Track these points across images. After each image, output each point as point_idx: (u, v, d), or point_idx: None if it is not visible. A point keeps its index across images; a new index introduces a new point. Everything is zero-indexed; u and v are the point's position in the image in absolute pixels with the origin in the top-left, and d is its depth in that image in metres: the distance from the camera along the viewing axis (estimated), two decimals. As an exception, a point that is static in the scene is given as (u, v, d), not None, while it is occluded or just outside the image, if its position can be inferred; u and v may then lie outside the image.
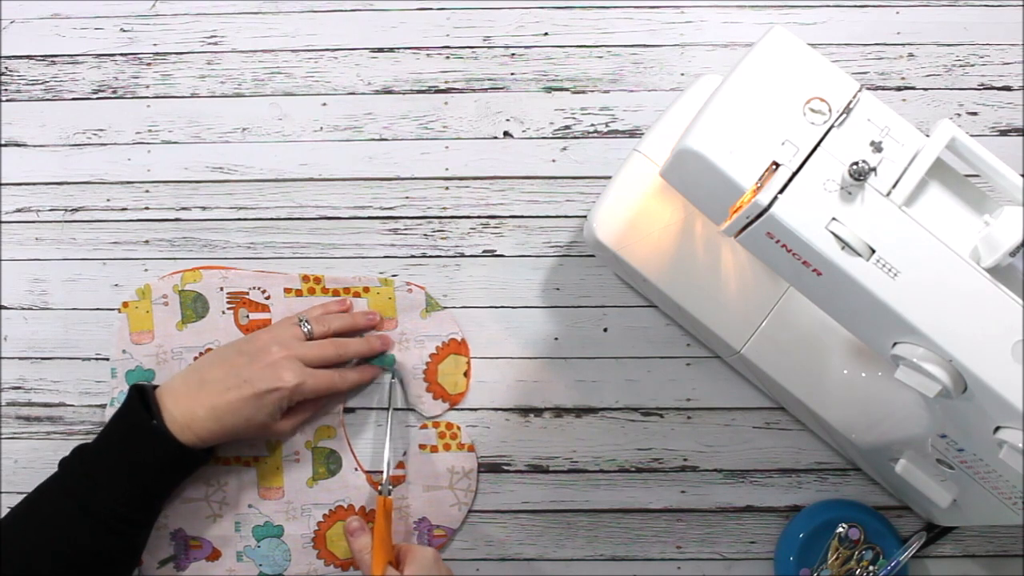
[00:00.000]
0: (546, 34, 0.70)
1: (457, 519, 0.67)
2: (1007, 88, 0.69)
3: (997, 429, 0.46)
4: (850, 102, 0.45)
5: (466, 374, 0.67)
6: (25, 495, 0.58)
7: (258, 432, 0.61)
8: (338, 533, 0.66)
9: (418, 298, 0.68)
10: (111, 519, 0.57)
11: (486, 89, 0.70)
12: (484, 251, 0.69)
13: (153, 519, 0.62)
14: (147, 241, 0.69)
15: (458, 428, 0.67)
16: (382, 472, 0.66)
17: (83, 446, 0.59)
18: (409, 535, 0.66)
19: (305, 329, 0.63)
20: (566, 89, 0.69)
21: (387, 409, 0.67)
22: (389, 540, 0.62)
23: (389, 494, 0.64)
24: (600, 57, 0.70)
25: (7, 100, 0.70)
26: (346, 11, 0.71)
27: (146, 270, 0.69)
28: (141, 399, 0.59)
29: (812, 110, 0.45)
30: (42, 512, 0.57)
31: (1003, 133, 0.69)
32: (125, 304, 0.68)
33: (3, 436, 0.68)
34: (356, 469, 0.67)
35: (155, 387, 0.61)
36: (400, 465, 0.67)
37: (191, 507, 0.66)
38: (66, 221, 0.69)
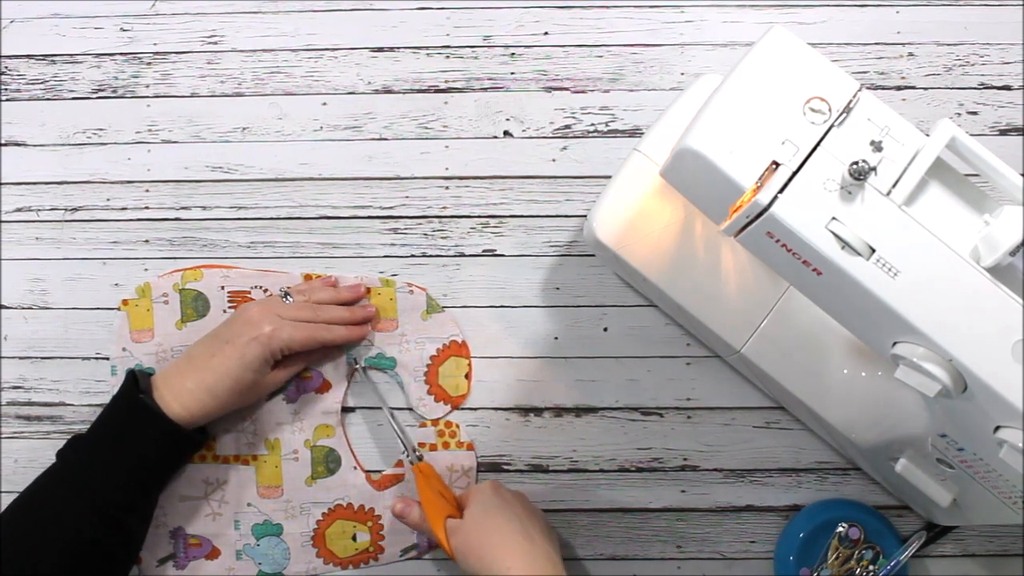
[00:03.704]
0: (546, 34, 0.70)
1: (457, 519, 0.67)
2: (1007, 88, 0.69)
3: (997, 429, 0.46)
4: (850, 102, 0.45)
5: (467, 376, 0.67)
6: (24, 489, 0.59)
7: (250, 393, 0.62)
8: (337, 532, 0.66)
9: (419, 299, 0.68)
10: (108, 506, 0.57)
11: (486, 89, 0.70)
12: (484, 251, 0.69)
13: (150, 508, 0.62)
14: (147, 241, 0.69)
15: (457, 427, 0.67)
16: (382, 470, 0.67)
17: (78, 435, 0.60)
18: (410, 533, 0.66)
19: (287, 301, 0.64)
20: (566, 89, 0.69)
21: (379, 404, 0.67)
22: (439, 499, 0.61)
23: (420, 459, 0.65)
24: (600, 57, 0.70)
25: (7, 100, 0.70)
26: (346, 11, 0.71)
27: (146, 270, 0.69)
28: (135, 382, 0.60)
29: (812, 110, 0.45)
30: (40, 503, 0.58)
31: (1003, 133, 0.69)
32: (125, 302, 0.68)
33: (3, 436, 0.68)
34: (355, 468, 0.67)
35: (151, 374, 0.62)
36: (399, 464, 0.67)
37: (190, 505, 0.66)
38: (66, 221, 0.69)
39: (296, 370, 0.65)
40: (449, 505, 0.61)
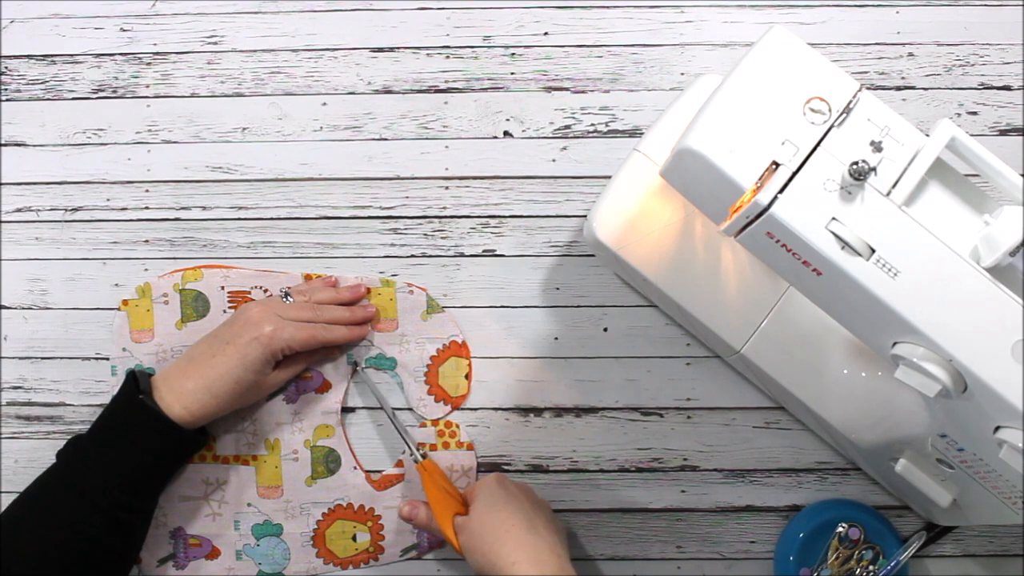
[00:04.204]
0: (546, 34, 0.70)
1: (457, 519, 0.67)
2: (1007, 88, 0.69)
3: (997, 429, 0.46)
4: (850, 102, 0.45)
5: (467, 376, 0.67)
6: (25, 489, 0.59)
7: (250, 393, 0.62)
8: (337, 532, 0.66)
9: (419, 299, 0.68)
10: (108, 506, 0.57)
11: (486, 89, 0.70)
12: (484, 251, 0.69)
13: (150, 508, 0.62)
14: (147, 241, 0.69)
15: (457, 427, 0.67)
16: (382, 470, 0.67)
17: (78, 435, 0.60)
18: (410, 533, 0.66)
19: (287, 301, 0.64)
20: (566, 89, 0.69)
21: (380, 404, 0.67)
22: (446, 497, 0.62)
23: (424, 458, 0.65)
24: (600, 57, 0.70)
25: (7, 100, 0.70)
26: (346, 11, 0.71)
27: (146, 270, 0.69)
28: (135, 383, 0.60)
29: (812, 110, 0.45)
30: (40, 503, 0.58)
31: (1003, 133, 0.69)
32: (125, 302, 0.68)
33: (3, 436, 0.68)
34: (355, 468, 0.67)
35: (151, 374, 0.62)
36: (399, 463, 0.67)
37: (190, 505, 0.66)
38: (66, 221, 0.69)
39: (296, 371, 0.65)
40: (455, 502, 0.62)
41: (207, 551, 0.66)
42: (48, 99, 0.70)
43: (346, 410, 0.68)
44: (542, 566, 0.54)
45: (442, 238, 0.69)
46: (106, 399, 0.68)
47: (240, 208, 0.69)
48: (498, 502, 0.59)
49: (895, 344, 0.46)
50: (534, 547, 0.55)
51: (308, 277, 0.68)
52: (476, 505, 0.59)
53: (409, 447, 0.65)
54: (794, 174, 0.44)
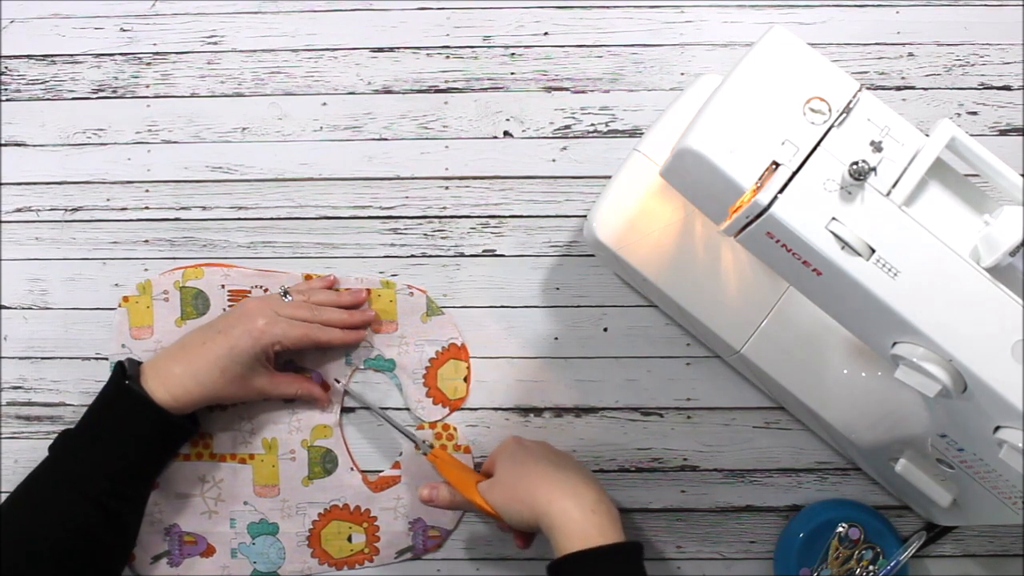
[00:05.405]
0: (546, 34, 0.70)
1: (452, 520, 0.67)
2: (1007, 88, 0.69)
3: (997, 429, 0.46)
4: (850, 102, 0.45)
5: (466, 379, 0.67)
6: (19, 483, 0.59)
7: (237, 386, 0.61)
8: (333, 532, 0.66)
9: (419, 301, 0.68)
10: (99, 495, 0.57)
11: (486, 89, 0.70)
12: (484, 251, 0.68)
13: (142, 498, 0.62)
14: (147, 241, 0.69)
15: (454, 429, 0.67)
16: (379, 471, 0.67)
17: (68, 428, 0.60)
18: (405, 535, 0.66)
19: (287, 300, 0.64)
20: (566, 89, 0.69)
21: (380, 412, 0.67)
22: (465, 473, 0.62)
23: (432, 448, 0.65)
24: (600, 57, 0.70)
25: (7, 100, 0.70)
26: (346, 11, 0.71)
27: (146, 270, 0.69)
28: (122, 371, 0.60)
29: (812, 110, 0.45)
30: (33, 497, 0.58)
31: (1003, 133, 0.69)
32: (125, 299, 0.68)
33: (3, 436, 0.68)
34: (352, 468, 0.67)
35: (141, 363, 0.62)
36: (396, 465, 0.67)
37: (186, 503, 0.66)
38: (66, 221, 0.69)
39: (287, 385, 0.64)
40: (475, 475, 0.62)
41: (202, 549, 0.66)
42: (48, 99, 0.70)
43: (344, 411, 0.67)
44: (579, 497, 0.55)
45: (442, 238, 0.69)
46: (106, 399, 0.68)
47: (240, 208, 0.69)
48: (520, 455, 0.60)
49: (895, 344, 0.46)
50: (567, 482, 0.56)
51: (308, 277, 0.68)
52: (500, 464, 0.60)
53: (415, 441, 0.65)
54: (794, 174, 0.44)
